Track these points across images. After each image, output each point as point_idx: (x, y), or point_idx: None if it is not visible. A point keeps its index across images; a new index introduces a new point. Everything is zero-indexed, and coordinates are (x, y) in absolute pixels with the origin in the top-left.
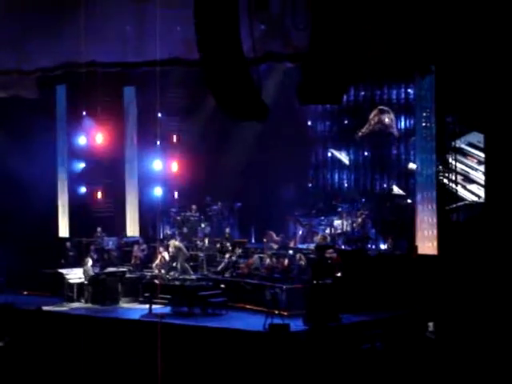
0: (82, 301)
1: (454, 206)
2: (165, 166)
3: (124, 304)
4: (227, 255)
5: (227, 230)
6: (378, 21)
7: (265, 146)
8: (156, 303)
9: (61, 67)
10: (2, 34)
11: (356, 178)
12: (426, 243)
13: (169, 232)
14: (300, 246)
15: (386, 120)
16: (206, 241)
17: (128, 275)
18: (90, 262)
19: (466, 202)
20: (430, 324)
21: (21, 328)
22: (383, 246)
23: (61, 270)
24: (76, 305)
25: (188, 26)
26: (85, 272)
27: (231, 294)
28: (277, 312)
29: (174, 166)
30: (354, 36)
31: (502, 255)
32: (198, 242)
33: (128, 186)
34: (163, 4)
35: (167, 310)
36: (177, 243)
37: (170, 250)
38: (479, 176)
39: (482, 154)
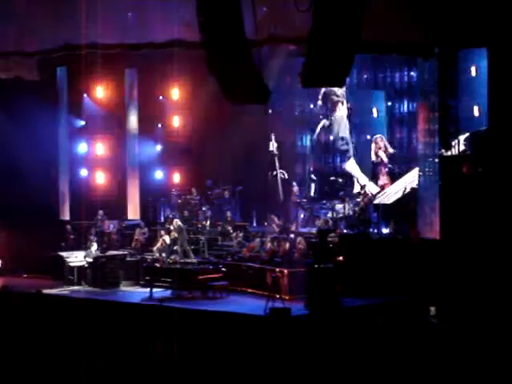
0: (83, 284)
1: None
2: (165, 149)
3: (124, 287)
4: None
5: (228, 213)
6: (380, 2)
7: (265, 129)
8: (157, 287)
9: (62, 49)
10: (4, 15)
11: (358, 162)
12: (428, 227)
13: (170, 216)
14: (302, 229)
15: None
16: (207, 224)
17: (129, 258)
18: (94, 245)
19: None
20: (432, 308)
21: (20, 311)
22: (385, 230)
23: (61, 253)
24: (76, 288)
25: (190, 8)
26: (88, 255)
27: (232, 278)
28: (278, 296)
29: (176, 149)
30: (356, 18)
31: (505, 240)
32: (199, 226)
33: (129, 169)
34: None
35: (168, 293)
36: (180, 223)
37: (172, 228)
38: None
39: None
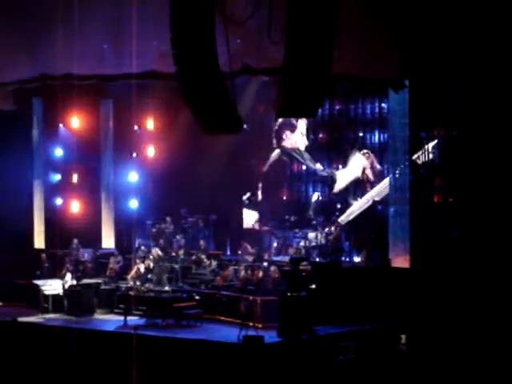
0: (58, 312)
1: None
2: (140, 179)
3: (99, 315)
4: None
5: (202, 242)
6: (352, 35)
7: (240, 158)
8: (131, 315)
9: (37, 79)
10: None
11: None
12: (399, 256)
13: (143, 248)
14: (275, 258)
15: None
16: (181, 252)
17: (103, 287)
18: (68, 274)
19: None
20: (403, 336)
21: None
22: (357, 259)
23: (36, 282)
24: (51, 316)
25: (165, 40)
26: (63, 284)
27: (206, 306)
28: (251, 324)
29: (150, 178)
30: (328, 49)
31: (475, 268)
32: (173, 254)
33: (104, 198)
34: (140, 19)
35: (142, 321)
36: (160, 252)
37: (151, 257)
38: None
39: None
